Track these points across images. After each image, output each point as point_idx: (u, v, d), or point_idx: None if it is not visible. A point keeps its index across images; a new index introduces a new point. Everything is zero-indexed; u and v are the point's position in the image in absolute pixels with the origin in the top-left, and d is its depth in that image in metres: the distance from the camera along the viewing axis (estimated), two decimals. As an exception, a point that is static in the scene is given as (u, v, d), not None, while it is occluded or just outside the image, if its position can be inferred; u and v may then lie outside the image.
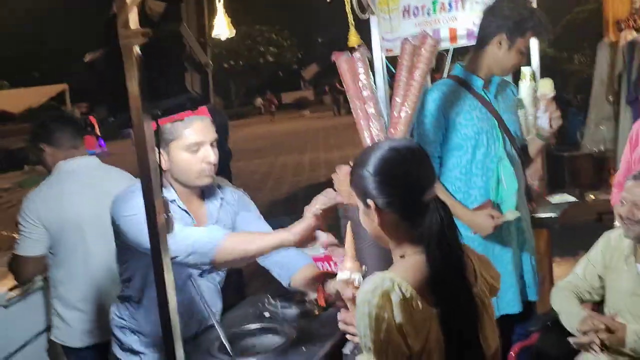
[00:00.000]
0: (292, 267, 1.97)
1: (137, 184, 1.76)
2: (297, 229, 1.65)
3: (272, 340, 1.89)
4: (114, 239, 1.84)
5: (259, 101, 35.23)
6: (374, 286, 1.21)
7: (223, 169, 5.66)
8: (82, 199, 2.39)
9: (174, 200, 1.81)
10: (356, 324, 1.24)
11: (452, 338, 1.23)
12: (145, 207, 1.22)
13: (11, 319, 2.55)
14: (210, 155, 1.79)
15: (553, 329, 2.15)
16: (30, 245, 2.35)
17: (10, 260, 2.43)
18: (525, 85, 3.25)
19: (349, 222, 1.56)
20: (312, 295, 1.97)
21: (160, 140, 1.70)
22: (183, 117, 1.72)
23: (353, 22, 2.26)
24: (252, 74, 39.17)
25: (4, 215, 7.26)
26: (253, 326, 1.97)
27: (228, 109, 31.72)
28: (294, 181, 10.55)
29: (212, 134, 1.81)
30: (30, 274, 2.48)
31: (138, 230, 1.61)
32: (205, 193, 1.94)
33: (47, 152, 2.46)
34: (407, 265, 1.29)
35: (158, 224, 1.21)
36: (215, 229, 1.70)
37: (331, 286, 1.83)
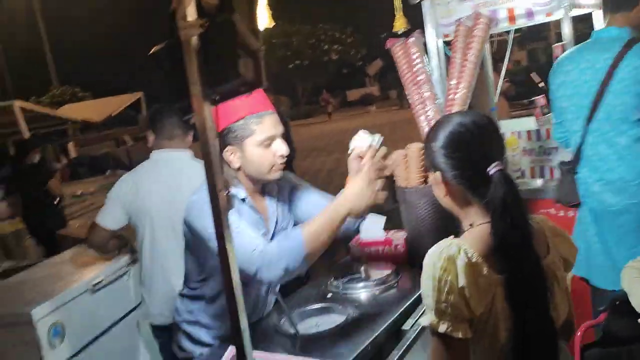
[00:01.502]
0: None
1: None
2: (348, 193, 1.66)
3: (334, 319, 1.93)
4: (185, 239, 1.90)
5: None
6: (440, 250, 1.27)
7: (287, 167, 5.81)
8: (158, 188, 2.53)
9: (245, 199, 1.86)
10: (421, 285, 1.29)
11: (517, 306, 1.25)
12: (208, 187, 1.30)
13: (98, 303, 2.75)
14: (282, 148, 1.84)
15: (622, 309, 2.08)
16: (106, 217, 2.58)
17: (89, 227, 2.69)
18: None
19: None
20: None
21: (233, 138, 1.79)
22: (255, 111, 1.79)
23: (401, 7, 2.29)
24: (317, 73, 39.46)
25: (91, 215, 7.72)
26: (316, 306, 2.04)
27: (295, 108, 32.21)
28: (360, 176, 10.56)
29: (281, 128, 1.86)
30: (97, 242, 2.68)
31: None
32: (265, 189, 1.99)
33: (149, 139, 2.66)
34: (474, 233, 1.33)
35: (220, 203, 1.30)
36: (285, 233, 1.71)
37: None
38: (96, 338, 2.72)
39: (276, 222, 1.99)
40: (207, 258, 1.87)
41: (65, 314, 2.52)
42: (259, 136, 1.79)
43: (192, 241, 1.86)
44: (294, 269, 1.64)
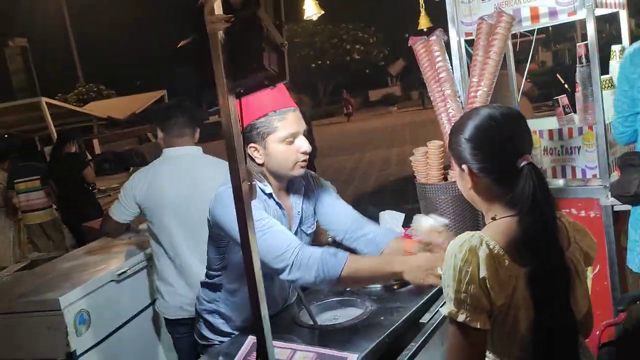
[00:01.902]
0: (380, 242, 1.98)
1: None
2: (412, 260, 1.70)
3: (353, 312, 1.97)
4: (209, 229, 1.94)
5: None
6: (462, 241, 1.28)
7: (308, 165, 5.84)
8: (173, 184, 2.59)
9: (271, 194, 1.88)
10: (442, 275, 1.30)
11: (539, 297, 1.25)
12: (232, 178, 1.34)
13: (122, 293, 2.83)
14: (304, 145, 1.85)
15: (643, 309, 2.07)
16: (120, 211, 2.67)
17: (103, 217, 2.83)
18: (615, 63, 3.13)
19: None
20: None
21: (256, 134, 1.81)
22: (278, 108, 1.80)
23: (424, 5, 2.32)
24: (339, 73, 39.44)
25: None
26: (335, 299, 2.07)
27: (316, 108, 32.22)
28: (380, 175, 10.59)
29: (303, 125, 1.87)
30: (110, 232, 2.86)
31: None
32: (289, 185, 2.00)
33: (159, 135, 2.72)
34: (497, 226, 1.33)
35: (243, 193, 1.33)
36: (335, 251, 1.74)
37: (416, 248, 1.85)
38: (120, 327, 2.79)
39: (300, 221, 2.01)
40: (228, 248, 1.91)
41: (91, 302, 2.60)
42: (282, 133, 1.81)
43: (215, 231, 1.89)
44: (321, 282, 1.68)
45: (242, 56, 1.25)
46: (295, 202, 2.00)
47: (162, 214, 2.60)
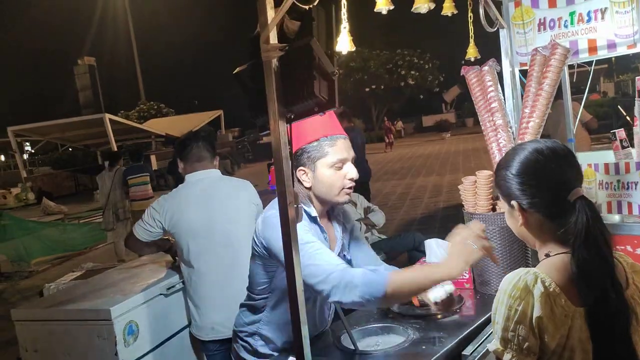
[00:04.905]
0: None
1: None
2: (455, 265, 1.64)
3: (394, 339, 1.96)
4: (257, 252, 1.93)
5: (399, 124, 35.34)
6: (517, 278, 1.25)
7: (362, 187, 5.84)
8: (196, 206, 2.70)
9: (316, 218, 1.90)
10: (492, 308, 1.27)
11: (600, 336, 1.21)
12: (279, 199, 1.38)
13: (170, 307, 2.90)
14: (352, 171, 1.87)
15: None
16: (143, 231, 2.78)
17: (128, 234, 2.93)
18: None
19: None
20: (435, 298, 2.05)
21: (307, 158, 1.85)
22: (329, 134, 1.84)
23: (473, 35, 2.32)
24: (393, 98, 39.50)
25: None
26: (377, 325, 2.07)
27: (369, 132, 32.29)
28: (430, 202, 10.47)
29: (352, 152, 1.90)
30: (133, 248, 2.95)
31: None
32: (330, 212, 2.02)
33: (180, 165, 2.87)
34: (552, 263, 1.30)
35: (289, 216, 1.37)
36: (375, 269, 1.71)
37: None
38: (166, 340, 2.86)
39: (341, 247, 2.02)
40: (277, 271, 1.91)
41: (140, 314, 2.68)
42: (332, 158, 1.84)
43: (264, 255, 1.90)
44: (367, 302, 1.64)
45: (294, 83, 1.30)
46: (336, 228, 2.03)
47: (189, 238, 2.69)
